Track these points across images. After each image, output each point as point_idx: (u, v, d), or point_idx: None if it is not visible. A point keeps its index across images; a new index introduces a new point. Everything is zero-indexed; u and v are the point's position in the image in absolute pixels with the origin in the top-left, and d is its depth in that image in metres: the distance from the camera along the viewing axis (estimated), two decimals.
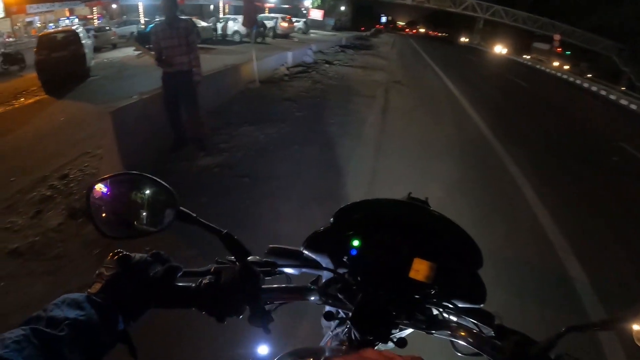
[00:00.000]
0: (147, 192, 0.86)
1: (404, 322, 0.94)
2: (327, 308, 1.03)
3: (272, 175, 5.47)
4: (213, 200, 4.81)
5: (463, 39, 66.51)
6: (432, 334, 0.94)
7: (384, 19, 76.34)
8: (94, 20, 36.14)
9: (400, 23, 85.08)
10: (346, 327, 0.97)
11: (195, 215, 0.84)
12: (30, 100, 13.19)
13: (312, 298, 0.98)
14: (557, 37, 44.52)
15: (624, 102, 19.68)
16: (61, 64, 14.40)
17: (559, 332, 0.79)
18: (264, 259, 0.98)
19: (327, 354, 0.93)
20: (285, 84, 10.99)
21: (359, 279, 0.97)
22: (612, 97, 21.22)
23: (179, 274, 0.86)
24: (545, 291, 3.84)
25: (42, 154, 7.35)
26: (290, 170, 5.66)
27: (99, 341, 0.69)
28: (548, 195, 5.87)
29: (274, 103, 8.92)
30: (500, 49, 53.86)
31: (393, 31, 64.25)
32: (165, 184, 0.84)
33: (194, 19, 17.43)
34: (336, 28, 50.99)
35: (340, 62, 16.69)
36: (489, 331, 0.92)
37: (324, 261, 1.04)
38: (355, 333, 0.90)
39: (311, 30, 36.85)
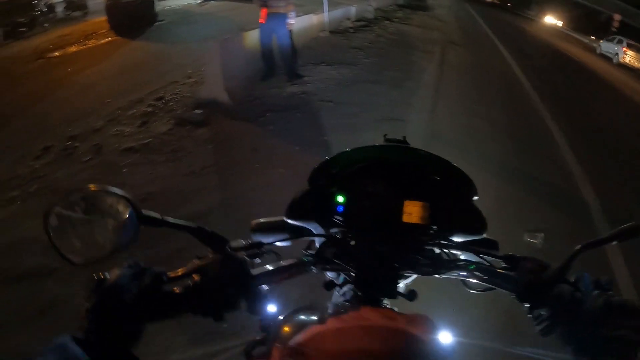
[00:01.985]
0: (105, 205, 0.75)
1: (408, 271, 0.92)
2: (327, 275, 1.00)
3: (350, 102, 6.72)
4: (305, 116, 6.13)
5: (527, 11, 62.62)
6: (439, 275, 0.92)
7: None
8: None
9: None
10: (350, 289, 0.92)
11: (160, 216, 0.77)
12: (102, 41, 14.32)
13: (309, 269, 0.93)
14: (617, 16, 40.21)
15: None
16: (130, 8, 15.17)
17: (573, 251, 0.77)
18: (248, 241, 0.93)
19: (330, 311, 0.87)
20: (351, 35, 12.01)
21: (351, 236, 0.94)
22: None
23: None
24: None
25: (130, 83, 8.61)
26: (365, 100, 6.88)
27: None
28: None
29: (343, 50, 10.05)
30: (555, 21, 51.11)
31: None
32: (119, 191, 0.74)
33: None
34: None
35: (398, 20, 17.32)
36: (497, 262, 0.90)
37: (312, 226, 1.01)
38: (359, 292, 0.88)
39: None
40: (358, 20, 14.57)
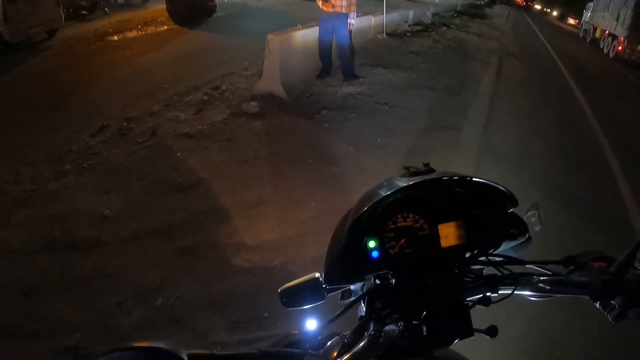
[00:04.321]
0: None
1: (474, 301, 0.83)
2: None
3: (405, 106, 6.60)
4: (360, 117, 6.04)
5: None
6: (501, 297, 0.86)
7: None
8: None
9: None
10: (401, 330, 0.82)
11: (210, 352, 0.66)
12: (161, 29, 14.70)
13: (381, 337, 0.77)
14: None
15: None
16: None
17: (638, 241, 0.76)
18: (301, 335, 0.86)
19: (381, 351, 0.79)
20: (408, 39, 11.86)
21: (397, 279, 0.87)
22: None
23: None
24: None
25: (187, 71, 8.73)
26: (420, 105, 6.74)
27: None
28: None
29: (400, 53, 9.92)
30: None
31: (508, 3, 60.81)
32: (156, 344, 0.56)
33: None
34: None
35: (456, 27, 17.05)
36: (556, 267, 0.87)
37: (351, 285, 0.97)
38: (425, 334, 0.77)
39: None
40: (416, 24, 14.44)
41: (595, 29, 22.90)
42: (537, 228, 0.97)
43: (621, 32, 16.84)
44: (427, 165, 0.97)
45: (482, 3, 42.10)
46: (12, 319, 2.96)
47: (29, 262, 3.53)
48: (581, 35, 27.49)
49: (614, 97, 11.89)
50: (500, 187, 0.93)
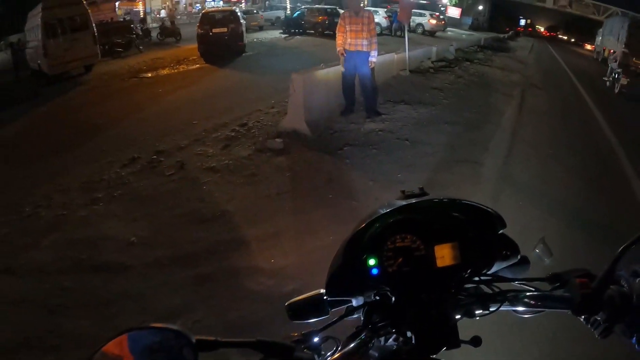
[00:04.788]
0: (155, 343, 0.67)
1: (461, 315, 0.91)
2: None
3: (427, 142, 6.69)
4: (381, 152, 6.17)
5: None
6: (488, 312, 0.92)
7: (522, 22, 72.85)
8: (241, 4, 39.64)
9: (540, 27, 79.25)
10: (396, 340, 0.89)
11: (215, 338, 0.71)
12: (192, 67, 15.39)
13: (372, 344, 0.87)
14: None
15: None
16: (220, 39, 16.31)
17: (615, 255, 0.81)
18: (301, 333, 0.89)
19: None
20: (431, 75, 12.03)
21: (394, 295, 0.93)
22: None
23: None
24: None
25: (216, 108, 9.13)
26: (442, 140, 6.82)
27: None
28: None
29: (423, 90, 10.06)
30: None
31: (531, 35, 60.63)
32: (168, 325, 0.67)
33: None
34: (473, 27, 49.56)
35: (479, 62, 17.18)
36: (542, 284, 0.92)
37: (351, 297, 1.01)
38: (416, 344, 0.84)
39: (448, 28, 36.96)
40: (439, 60, 14.61)
41: (604, 50, 27.76)
42: (548, 260, 1.01)
43: (619, 48, 21.39)
44: (421, 189, 1.04)
45: (506, 36, 42.35)
46: (36, 333, 3.09)
47: (56, 282, 3.70)
48: (594, 56, 32.73)
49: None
50: (489, 210, 0.99)
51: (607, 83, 17.01)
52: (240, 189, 5.20)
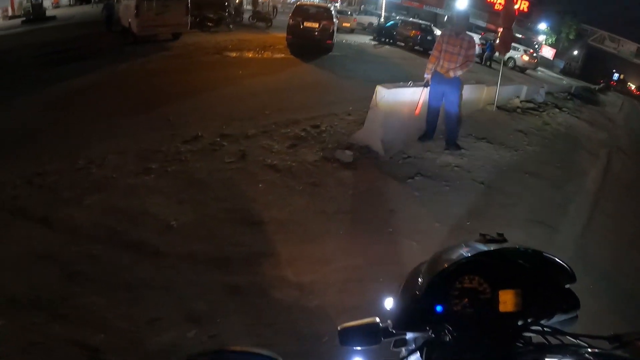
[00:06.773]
0: None
1: None
2: None
3: (503, 190, 6.09)
4: (453, 191, 5.66)
5: None
6: None
7: (615, 76, 69.13)
8: (336, 3, 39.31)
9: (631, 85, 74.87)
10: None
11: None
12: (277, 56, 15.31)
13: None
14: None
15: None
16: (310, 34, 16.17)
17: None
18: None
19: None
20: (518, 115, 11.29)
21: (455, 335, 0.94)
22: None
23: None
24: None
25: (292, 102, 8.84)
26: (519, 192, 6.20)
27: None
28: None
29: (507, 130, 9.38)
30: None
31: (622, 92, 57.20)
32: (265, 353, 0.73)
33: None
34: (564, 71, 47.75)
35: (568, 111, 16.18)
36: (602, 342, 0.89)
37: (409, 334, 1.03)
38: None
39: (539, 68, 35.46)
40: (527, 101, 13.81)
41: None
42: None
43: None
44: (501, 235, 1.05)
45: (597, 88, 40.34)
46: (49, 296, 3.00)
47: (85, 247, 3.58)
48: None
49: None
50: (564, 264, 1.00)
51: None
52: (298, 197, 4.86)
